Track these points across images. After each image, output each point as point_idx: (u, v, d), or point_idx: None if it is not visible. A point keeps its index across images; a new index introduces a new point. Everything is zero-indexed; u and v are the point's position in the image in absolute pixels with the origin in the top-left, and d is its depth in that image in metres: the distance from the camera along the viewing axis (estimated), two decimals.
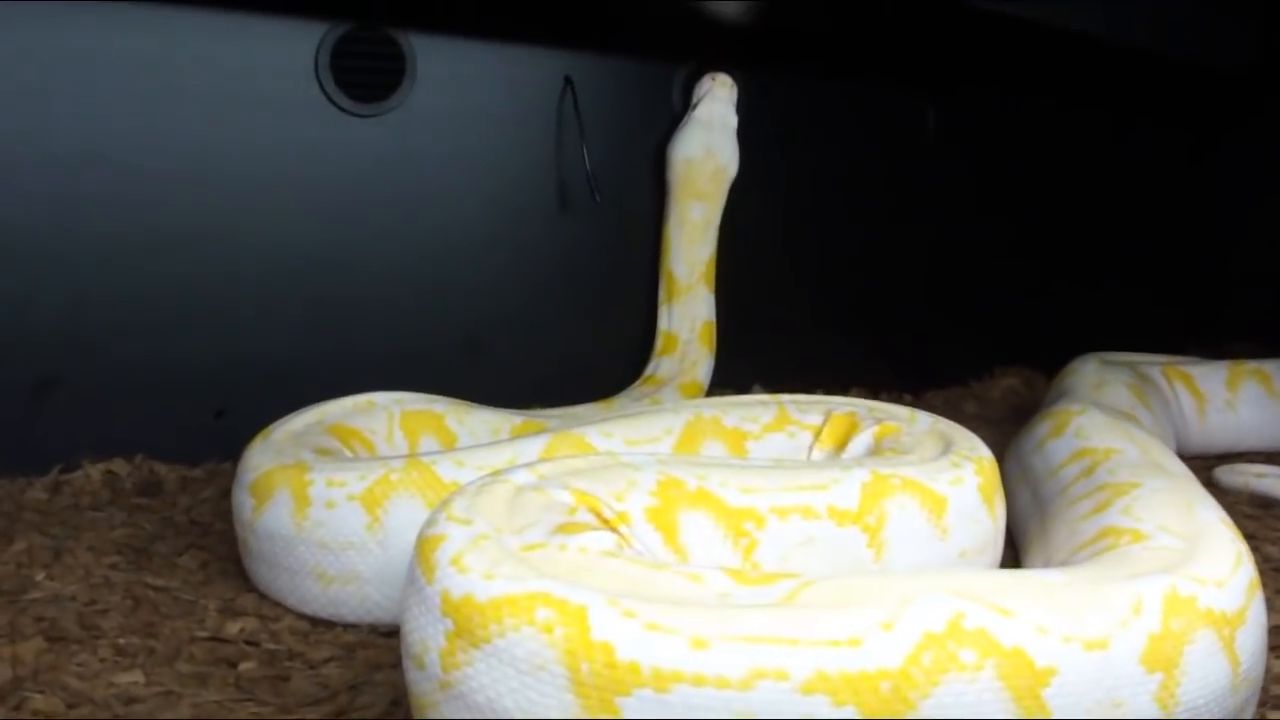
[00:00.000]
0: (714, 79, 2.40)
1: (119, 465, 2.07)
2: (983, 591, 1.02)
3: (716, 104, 2.39)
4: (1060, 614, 1.02)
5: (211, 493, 1.99)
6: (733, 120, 2.41)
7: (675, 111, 2.46)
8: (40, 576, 1.63)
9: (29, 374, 2.04)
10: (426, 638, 1.02)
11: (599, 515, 1.21)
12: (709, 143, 2.37)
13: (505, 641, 0.96)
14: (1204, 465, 2.16)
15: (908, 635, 0.95)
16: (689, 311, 2.38)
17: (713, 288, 2.42)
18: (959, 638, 0.96)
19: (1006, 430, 2.07)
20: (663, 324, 2.40)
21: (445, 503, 1.15)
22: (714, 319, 2.42)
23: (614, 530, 1.20)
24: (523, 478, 1.22)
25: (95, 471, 2.04)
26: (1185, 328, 2.64)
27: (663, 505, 1.26)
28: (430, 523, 1.12)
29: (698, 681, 0.92)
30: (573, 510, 1.18)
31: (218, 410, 2.11)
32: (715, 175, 2.38)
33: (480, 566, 1.01)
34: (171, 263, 2.11)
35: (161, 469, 2.08)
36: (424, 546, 1.08)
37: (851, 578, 1.03)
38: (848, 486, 1.35)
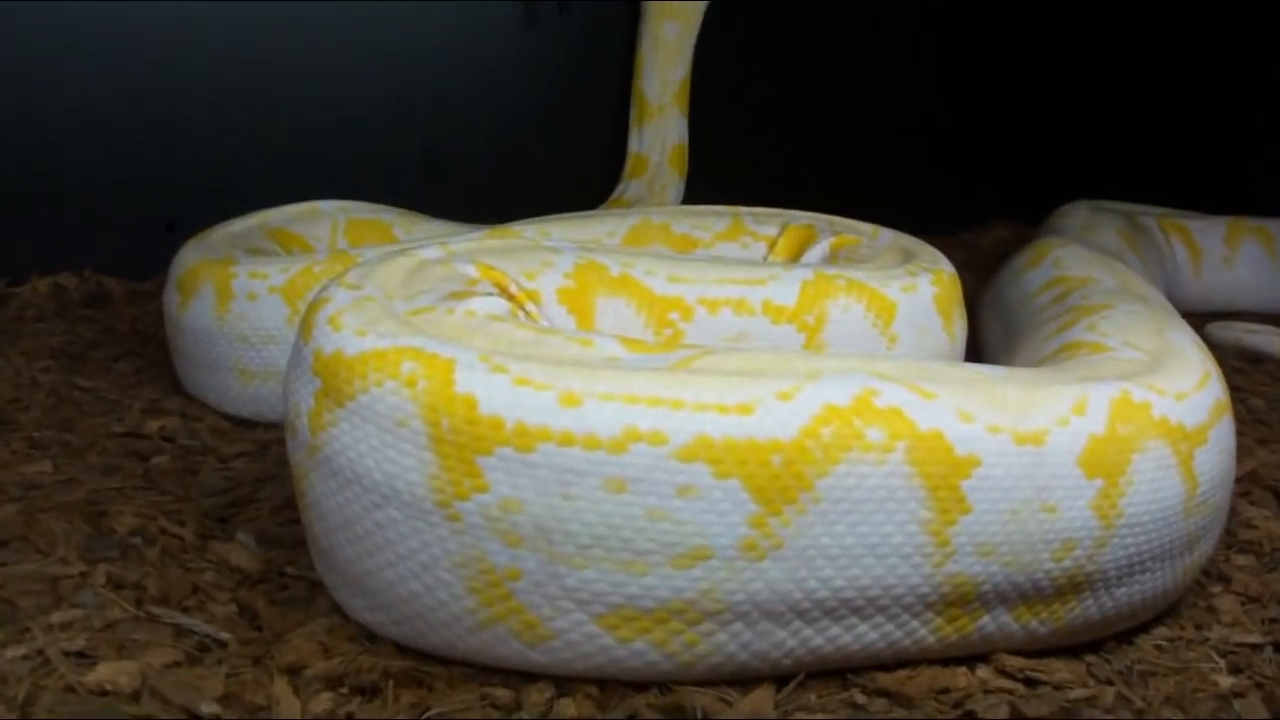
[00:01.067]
0: None
1: (66, 278, 2.03)
2: (904, 373, 0.93)
3: None
4: (989, 403, 0.93)
5: (159, 305, 1.92)
6: None
7: None
8: None
9: None
10: (299, 400, 0.95)
11: (503, 290, 1.12)
12: None
13: (369, 397, 0.89)
14: (1196, 323, 2.06)
15: (806, 406, 0.86)
16: (660, 133, 2.29)
17: (686, 110, 2.33)
18: (866, 414, 0.87)
19: (989, 277, 1.98)
20: (633, 146, 2.32)
21: (342, 272, 1.07)
22: (686, 142, 2.33)
23: (517, 304, 1.12)
24: (430, 253, 1.13)
25: (42, 285, 2.00)
26: (1195, 188, 2.52)
27: (579, 287, 1.18)
28: (320, 288, 1.04)
29: (565, 440, 0.83)
30: (474, 282, 1.09)
31: (168, 223, 2.02)
32: None
33: (355, 324, 0.93)
34: (116, 74, 2.02)
35: (110, 282, 2.03)
36: (308, 311, 1.00)
37: (759, 351, 0.95)
38: (787, 283, 1.26)
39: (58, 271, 2.00)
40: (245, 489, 1.27)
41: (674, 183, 2.26)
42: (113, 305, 1.96)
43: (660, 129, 2.28)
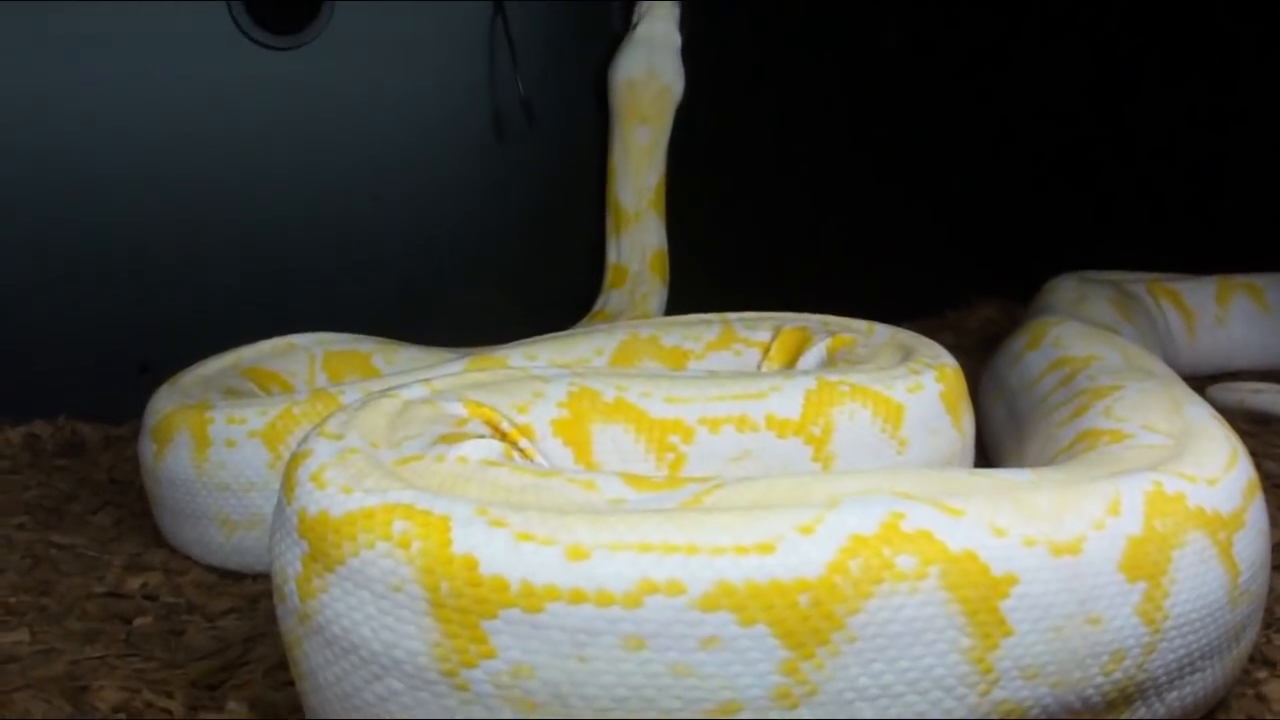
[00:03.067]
0: None
1: (40, 427, 1.96)
2: (929, 490, 0.88)
3: (658, 22, 2.24)
4: (1022, 514, 0.87)
5: (135, 451, 1.88)
6: (676, 38, 2.26)
7: (615, 32, 2.31)
8: None
9: None
10: (286, 565, 0.89)
11: (494, 428, 1.06)
12: (651, 62, 2.23)
13: (359, 561, 0.83)
14: (1196, 386, 2.02)
15: (831, 539, 0.80)
16: (638, 241, 2.25)
17: (663, 215, 2.28)
18: (895, 541, 0.82)
19: (984, 361, 1.94)
20: (611, 256, 2.27)
21: (323, 420, 1.01)
22: (665, 247, 2.28)
23: (511, 443, 1.06)
24: (414, 392, 1.08)
25: (15, 435, 1.94)
26: (1176, 254, 2.50)
27: (573, 417, 1.13)
28: (301, 440, 0.98)
29: (575, 598, 0.77)
30: (463, 422, 1.04)
31: (142, 365, 1.97)
32: (659, 96, 2.24)
33: (340, 480, 0.88)
34: (87, 210, 1.98)
35: (85, 428, 1.97)
36: (289, 465, 0.95)
37: (772, 479, 0.89)
38: (789, 394, 1.21)
39: (30, 420, 1.94)
40: (235, 650, 1.20)
41: (657, 290, 2.22)
42: (88, 453, 1.90)
43: (638, 236, 2.24)
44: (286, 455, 1.30)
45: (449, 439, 0.97)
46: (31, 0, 1.90)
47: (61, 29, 1.93)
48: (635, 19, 2.26)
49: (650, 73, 2.22)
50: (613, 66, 2.25)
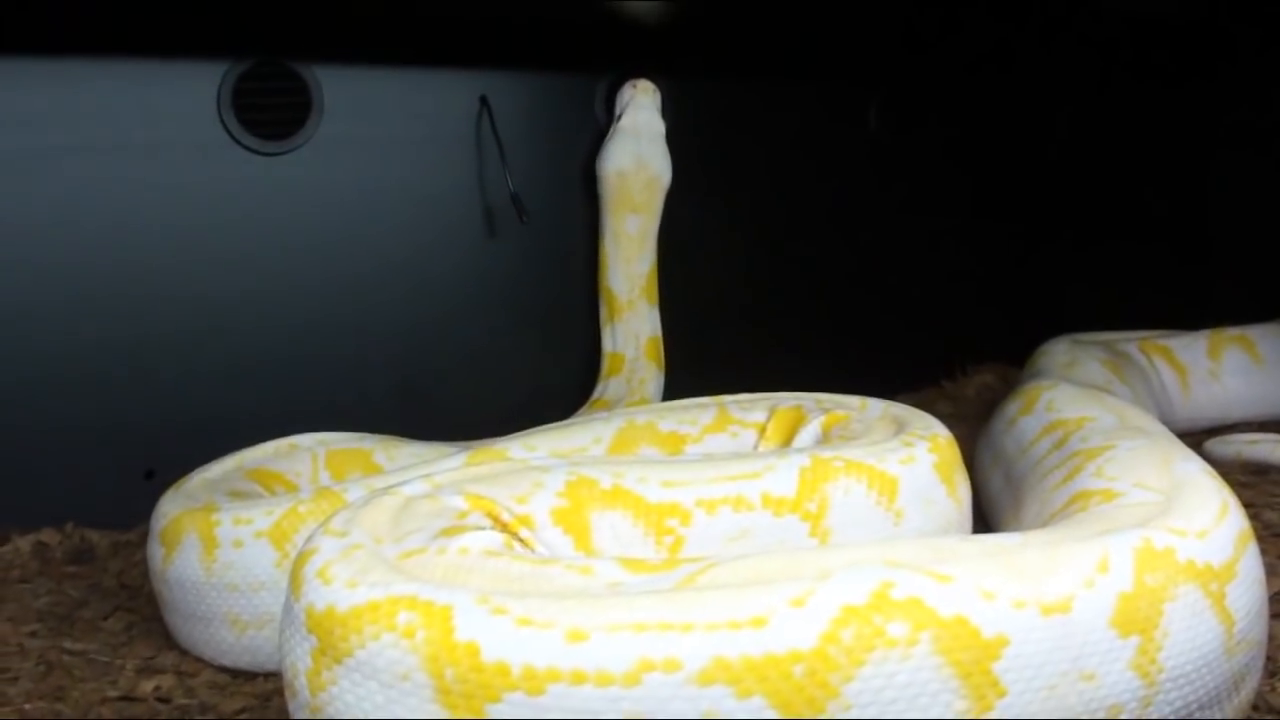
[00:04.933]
0: (635, 86, 2.29)
1: (49, 535, 1.97)
2: (917, 558, 0.90)
3: (641, 112, 2.27)
4: (1010, 576, 0.89)
5: (144, 555, 1.89)
6: (660, 126, 2.29)
7: (599, 124, 2.35)
8: None
9: None
10: (295, 660, 0.91)
11: (495, 519, 1.09)
12: (639, 153, 2.26)
13: (366, 653, 0.85)
14: (1193, 441, 2.03)
15: (823, 610, 0.83)
16: (632, 329, 2.27)
17: (655, 302, 2.31)
18: (885, 609, 0.84)
19: (981, 431, 1.96)
20: (607, 345, 2.29)
21: (327, 519, 1.04)
22: (659, 334, 2.30)
23: (511, 533, 1.08)
24: (415, 488, 1.10)
25: (24, 543, 1.94)
26: (1168, 313, 2.52)
27: (572, 506, 1.15)
28: (306, 539, 1.01)
29: (576, 679, 0.79)
30: (464, 515, 1.06)
31: (148, 471, 2.00)
32: (649, 185, 2.27)
33: (345, 575, 0.90)
34: (85, 321, 2.00)
35: (93, 535, 1.98)
36: (296, 563, 0.97)
37: (765, 555, 0.91)
38: (783, 473, 1.23)
39: (38, 528, 1.96)
40: None
41: (653, 376, 2.24)
42: (97, 559, 1.91)
43: (632, 324, 2.26)
44: (293, 553, 1.33)
45: (450, 531, 0.99)
46: (20, 110, 1.94)
47: (54, 140, 1.97)
48: (619, 110, 2.28)
49: (639, 163, 2.25)
50: (600, 158, 2.28)
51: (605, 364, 2.28)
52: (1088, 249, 2.87)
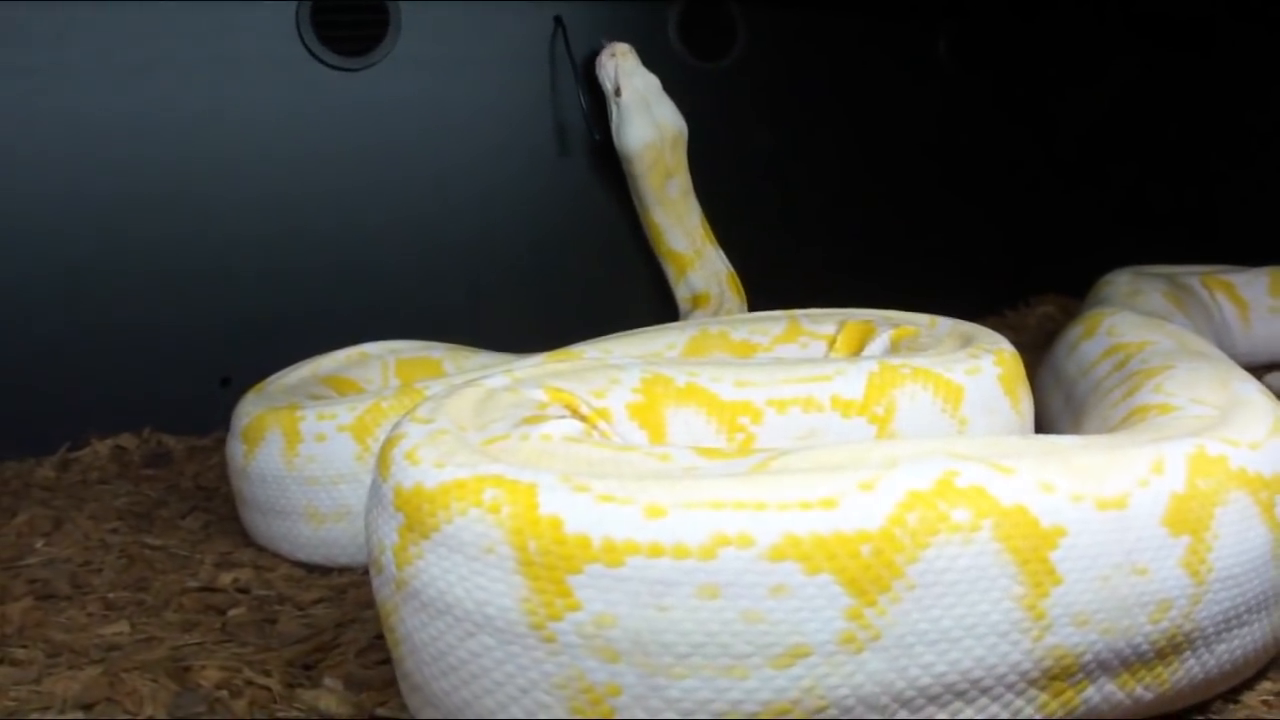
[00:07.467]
0: (614, 53, 2.25)
1: (127, 439, 2.03)
2: (981, 451, 0.93)
3: (635, 77, 2.23)
4: (1068, 472, 0.93)
5: (219, 459, 1.93)
6: (656, 80, 2.26)
7: (583, 108, 2.31)
8: (39, 544, 1.59)
9: (30, 354, 2.00)
10: (382, 537, 0.95)
11: (574, 411, 1.12)
12: (654, 119, 2.23)
13: (453, 527, 0.89)
14: (1251, 374, 2.05)
15: (890, 494, 0.86)
16: (708, 273, 2.28)
17: (716, 242, 2.32)
18: (950, 496, 0.87)
19: (1043, 357, 1.98)
20: (684, 293, 2.30)
21: (413, 407, 1.08)
22: (733, 269, 2.31)
23: (589, 424, 1.12)
24: (497, 380, 1.14)
25: (103, 447, 2.00)
26: (1234, 249, 2.52)
27: (647, 401, 1.18)
28: (394, 426, 1.05)
29: (654, 552, 0.83)
30: (544, 406, 1.10)
31: (224, 378, 2.05)
32: (675, 144, 2.25)
33: (432, 457, 0.94)
34: (167, 230, 2.05)
35: (170, 440, 2.04)
36: (384, 448, 1.01)
37: (834, 446, 0.95)
38: (853, 377, 1.26)
39: (117, 433, 2.01)
40: (327, 635, 1.26)
41: (738, 308, 2.24)
42: (174, 463, 1.96)
43: (706, 269, 2.27)
44: (374, 447, 1.37)
45: (532, 420, 1.03)
46: (101, 31, 1.98)
47: (144, 60, 2.02)
48: (612, 84, 2.24)
49: (659, 129, 2.22)
50: (621, 139, 2.24)
51: (688, 305, 2.29)
52: (1153, 186, 2.86)
